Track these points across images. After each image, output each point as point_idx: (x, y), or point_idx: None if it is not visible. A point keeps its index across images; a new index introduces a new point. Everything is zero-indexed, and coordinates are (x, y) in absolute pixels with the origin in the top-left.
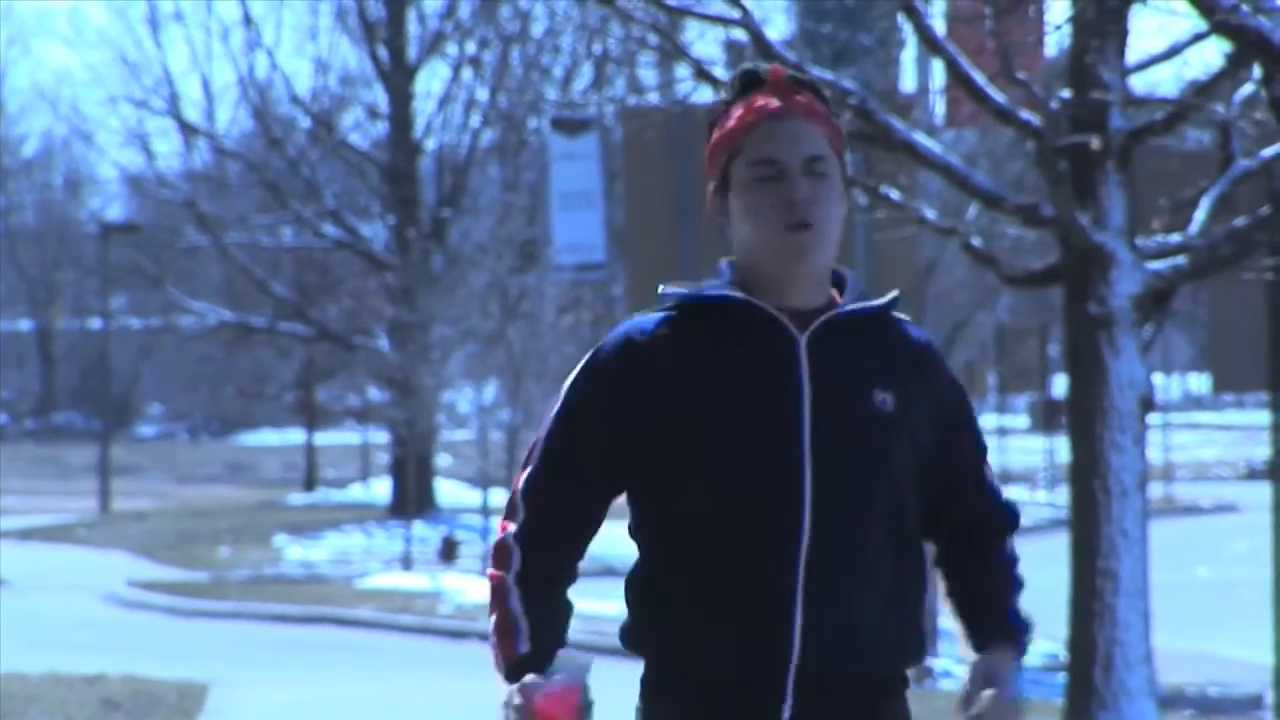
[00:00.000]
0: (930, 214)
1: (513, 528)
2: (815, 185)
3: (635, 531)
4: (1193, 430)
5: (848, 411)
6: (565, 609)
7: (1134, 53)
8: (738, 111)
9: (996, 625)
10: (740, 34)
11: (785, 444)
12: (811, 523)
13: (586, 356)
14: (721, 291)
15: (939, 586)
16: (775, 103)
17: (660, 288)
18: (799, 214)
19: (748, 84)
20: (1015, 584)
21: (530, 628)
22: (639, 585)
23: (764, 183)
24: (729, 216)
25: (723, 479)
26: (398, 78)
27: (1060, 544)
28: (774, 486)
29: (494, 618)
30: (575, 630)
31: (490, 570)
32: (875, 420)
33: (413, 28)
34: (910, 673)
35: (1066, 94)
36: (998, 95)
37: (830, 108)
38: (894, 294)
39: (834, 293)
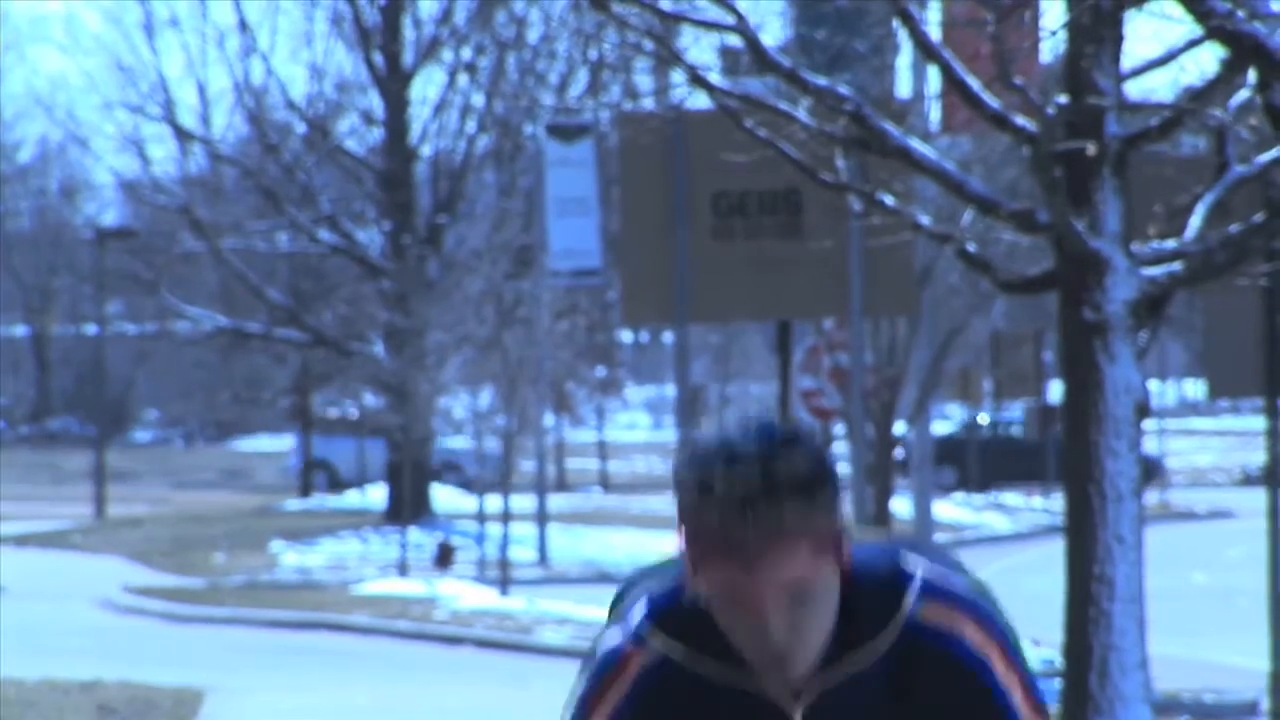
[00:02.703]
0: (925, 220)
1: None
2: (796, 616)
3: None
4: (1188, 436)
5: None
6: None
7: (1129, 58)
8: (695, 535)
9: None
10: (735, 40)
11: None
12: None
13: (580, 687)
14: (697, 668)
15: None
16: (731, 562)
17: (639, 607)
18: (773, 650)
19: (704, 491)
20: None
21: None
22: None
23: (730, 605)
24: None
25: None
26: (393, 83)
27: (1056, 550)
28: None
29: None
30: (571, 637)
31: None
32: None
33: (408, 33)
34: None
35: (1062, 100)
36: (993, 101)
37: (815, 484)
38: (910, 605)
39: (838, 627)
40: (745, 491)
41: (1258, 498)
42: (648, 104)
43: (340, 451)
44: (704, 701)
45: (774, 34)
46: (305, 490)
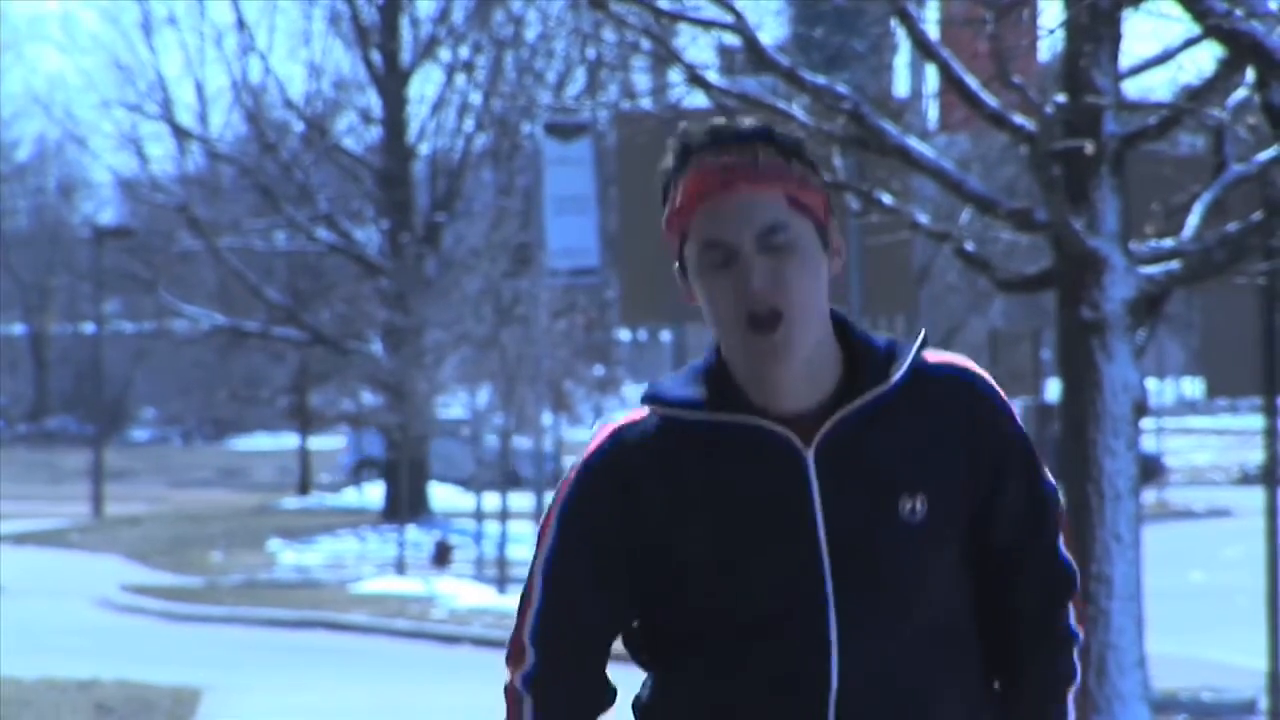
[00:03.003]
0: (923, 219)
1: (521, 672)
2: (777, 262)
3: (641, 660)
4: (1186, 435)
5: (871, 537)
6: None
7: (1127, 57)
8: (680, 188)
9: None
10: (733, 38)
11: (802, 585)
12: (840, 677)
13: (572, 474)
14: (709, 415)
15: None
16: (711, 177)
17: (644, 390)
18: (757, 303)
19: (686, 151)
20: None
21: None
22: None
23: (714, 270)
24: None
25: (733, 635)
26: (391, 82)
27: None
28: (794, 640)
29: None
30: None
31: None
32: (905, 539)
33: (406, 32)
34: None
35: (1060, 98)
36: (991, 100)
37: (792, 155)
38: (917, 344)
39: (842, 371)
40: (722, 137)
41: (1256, 496)
42: (646, 103)
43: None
44: (717, 454)
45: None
46: (302, 489)
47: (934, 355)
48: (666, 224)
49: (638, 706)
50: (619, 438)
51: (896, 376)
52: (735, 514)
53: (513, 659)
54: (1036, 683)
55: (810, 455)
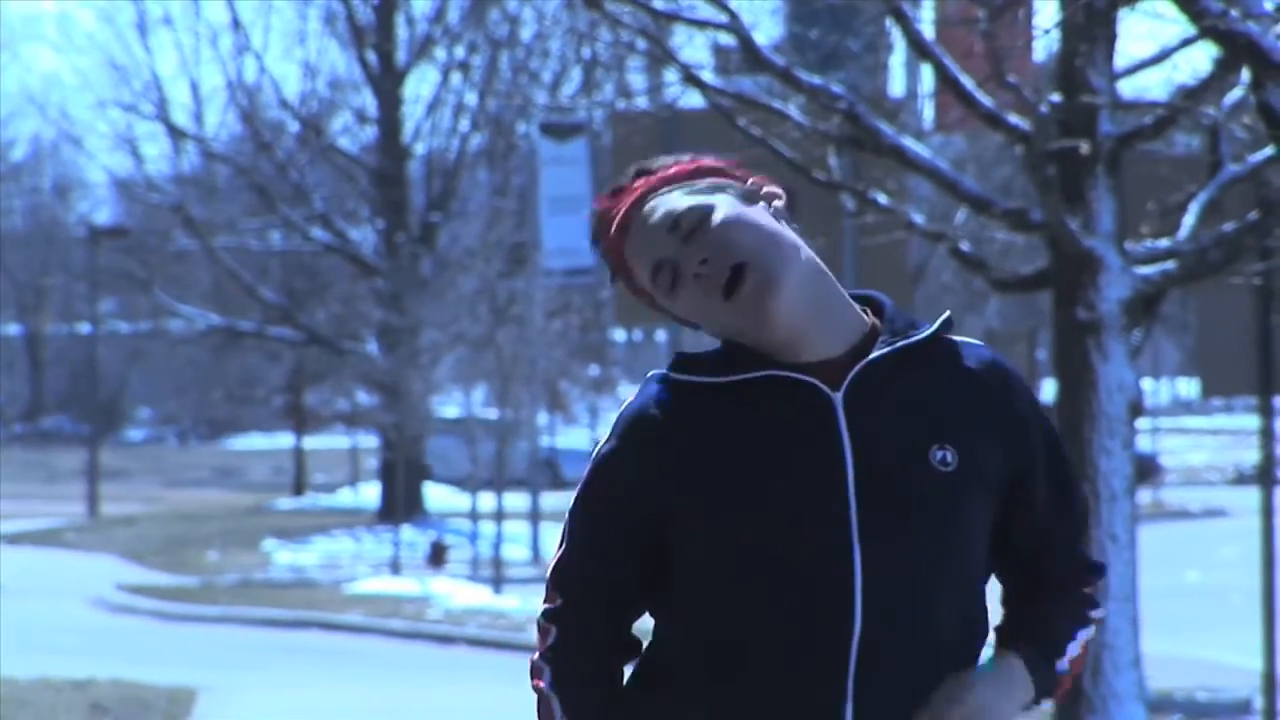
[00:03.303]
0: (919, 219)
1: (548, 606)
2: (704, 232)
3: (658, 615)
4: (1181, 435)
5: (902, 480)
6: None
7: (1123, 57)
8: (607, 249)
9: (1026, 640)
10: (729, 38)
11: (830, 529)
12: (864, 618)
13: (614, 424)
14: (734, 376)
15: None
16: (615, 209)
17: (674, 357)
18: (716, 275)
19: (600, 222)
20: (1074, 626)
21: None
22: (659, 681)
23: (670, 290)
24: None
25: (758, 575)
26: (386, 82)
27: None
28: (819, 580)
29: None
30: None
31: (533, 663)
32: (936, 485)
33: (401, 32)
34: None
35: (1055, 98)
36: (986, 100)
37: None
38: (945, 315)
39: (872, 322)
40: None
41: (1251, 496)
42: (641, 103)
43: (443, 449)
44: (746, 405)
45: (767, 32)
46: (298, 489)
47: (966, 340)
48: (616, 277)
49: (640, 676)
50: (650, 396)
51: (926, 328)
52: (763, 456)
53: (545, 597)
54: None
55: (839, 398)
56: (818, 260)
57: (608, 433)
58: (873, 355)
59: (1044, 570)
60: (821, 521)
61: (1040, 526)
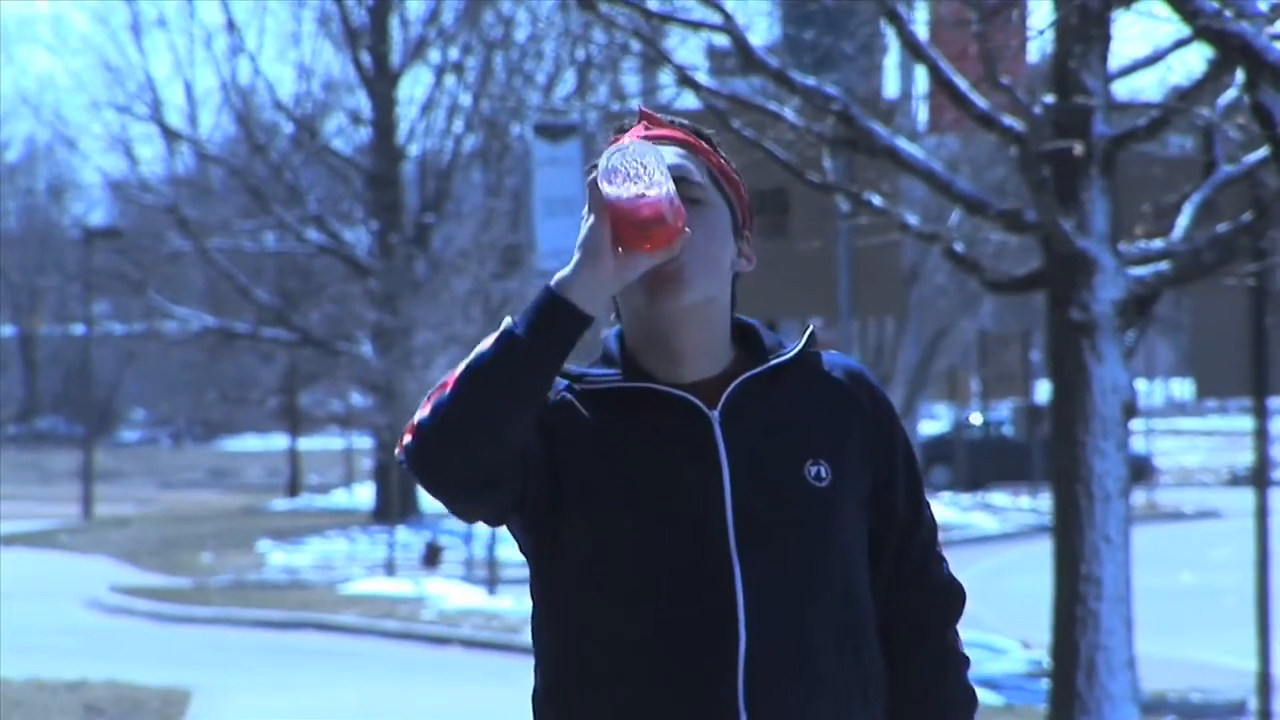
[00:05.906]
0: (913, 220)
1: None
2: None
3: (540, 634)
4: (1175, 436)
5: (777, 495)
6: None
7: (1117, 58)
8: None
9: None
10: (723, 40)
11: (710, 546)
12: (748, 633)
13: None
14: (618, 383)
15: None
16: (634, 131)
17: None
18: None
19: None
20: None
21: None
22: (553, 705)
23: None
24: None
25: (640, 589)
26: (381, 83)
27: (1043, 550)
28: (701, 595)
29: (453, 389)
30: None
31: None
32: (811, 499)
33: (395, 33)
34: None
35: (1049, 99)
36: (980, 101)
37: (716, 148)
38: (809, 331)
39: (739, 353)
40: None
41: (1245, 498)
42: (635, 104)
43: None
44: (631, 416)
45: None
46: (292, 490)
47: (831, 353)
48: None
49: (536, 701)
50: (558, 394)
51: (792, 348)
52: (645, 470)
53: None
54: (914, 635)
55: (716, 416)
56: (731, 291)
57: None
58: (745, 375)
59: (906, 601)
60: (701, 536)
61: (900, 534)
